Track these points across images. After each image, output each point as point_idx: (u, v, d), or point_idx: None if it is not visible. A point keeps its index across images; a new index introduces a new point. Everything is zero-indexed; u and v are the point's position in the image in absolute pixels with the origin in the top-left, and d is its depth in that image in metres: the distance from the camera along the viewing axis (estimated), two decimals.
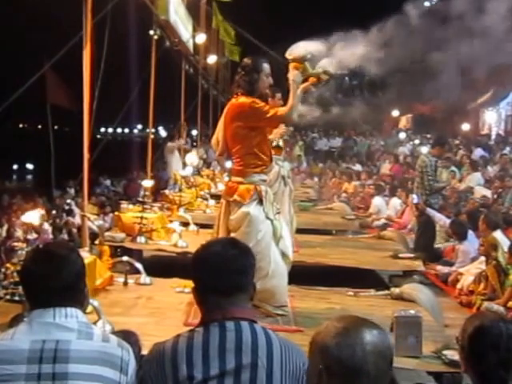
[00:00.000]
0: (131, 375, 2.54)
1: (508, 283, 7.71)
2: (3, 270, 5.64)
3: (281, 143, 7.89)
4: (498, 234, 8.63)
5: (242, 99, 5.75)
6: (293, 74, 5.71)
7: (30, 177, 31.32)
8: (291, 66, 5.76)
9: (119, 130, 59.05)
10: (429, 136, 26.27)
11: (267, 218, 5.74)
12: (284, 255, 5.90)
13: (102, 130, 35.13)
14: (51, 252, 2.65)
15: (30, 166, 33.24)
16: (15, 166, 32.44)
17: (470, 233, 9.68)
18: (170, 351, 2.55)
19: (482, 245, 8.53)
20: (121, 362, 2.50)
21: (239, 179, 5.79)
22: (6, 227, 11.97)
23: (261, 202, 5.71)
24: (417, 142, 27.37)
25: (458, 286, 8.85)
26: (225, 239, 2.78)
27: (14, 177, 29.72)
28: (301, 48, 5.79)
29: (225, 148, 5.98)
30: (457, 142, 23.59)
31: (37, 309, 2.50)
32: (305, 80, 5.86)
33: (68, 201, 15.10)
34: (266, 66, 5.85)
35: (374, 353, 2.11)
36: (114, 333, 3.69)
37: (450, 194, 13.27)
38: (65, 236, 12.66)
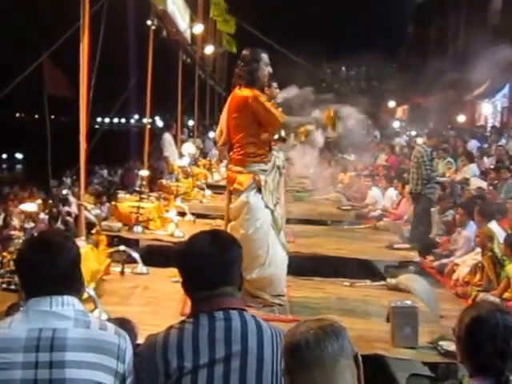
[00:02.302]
0: (128, 363, 2.54)
1: (504, 274, 7.73)
2: (0, 258, 5.64)
3: (282, 134, 7.93)
4: (493, 225, 8.65)
5: (246, 92, 5.83)
6: (321, 118, 6.23)
7: (19, 166, 31.17)
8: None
9: (116, 120, 58.90)
10: (426, 131, 26.26)
11: (266, 206, 5.82)
12: (283, 245, 5.97)
13: (99, 119, 35.07)
14: (47, 240, 2.65)
15: (19, 156, 33.04)
16: (4, 156, 32.24)
17: (471, 223, 9.63)
18: (161, 344, 2.58)
19: (478, 236, 8.54)
20: (118, 349, 2.51)
21: (239, 168, 5.89)
22: (2, 216, 11.97)
23: (259, 190, 5.78)
24: (413, 133, 27.32)
25: (454, 276, 8.87)
26: (207, 234, 2.74)
27: (4, 166, 29.67)
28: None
29: (227, 138, 6.04)
30: (452, 132, 23.54)
31: (33, 297, 2.50)
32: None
33: (64, 192, 15.07)
34: (265, 56, 5.96)
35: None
36: (109, 320, 3.70)
37: (448, 185, 13.29)
38: (61, 225, 12.65)
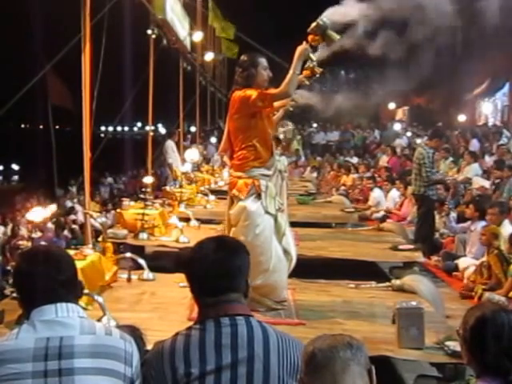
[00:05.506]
0: (136, 366, 2.57)
1: (509, 273, 7.71)
2: (9, 268, 5.67)
3: (281, 136, 7.90)
4: (505, 223, 8.72)
5: (237, 92, 5.80)
6: (299, 48, 5.72)
7: (15, 177, 31.06)
8: (308, 38, 5.78)
9: (119, 129, 58.95)
10: (428, 133, 26.26)
11: (266, 212, 5.76)
12: (286, 252, 5.96)
13: (103, 128, 35.18)
14: (44, 251, 2.72)
15: (15, 167, 32.87)
16: (0, 167, 32.11)
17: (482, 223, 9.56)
18: (168, 350, 2.60)
19: (484, 234, 8.49)
20: (124, 353, 2.53)
21: (239, 174, 5.82)
22: (10, 226, 12.03)
23: (259, 196, 5.74)
24: (409, 134, 27.31)
25: (459, 276, 8.90)
26: (213, 241, 2.77)
27: (0, 177, 29.61)
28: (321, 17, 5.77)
29: (228, 145, 6.04)
30: (455, 132, 23.59)
31: (35, 308, 2.52)
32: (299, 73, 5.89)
33: (70, 204, 15.15)
34: (263, 60, 5.87)
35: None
36: (118, 327, 3.75)
37: (451, 185, 13.31)
38: (68, 234, 12.74)
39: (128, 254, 7.24)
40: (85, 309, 3.23)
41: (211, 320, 2.62)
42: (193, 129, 24.72)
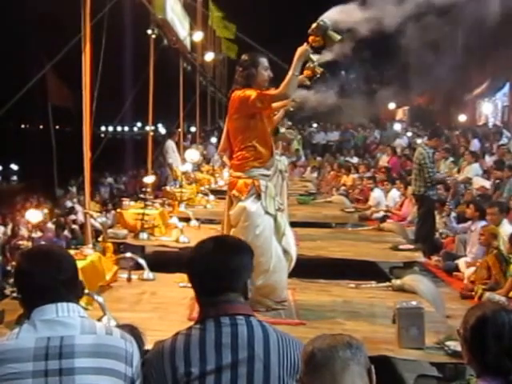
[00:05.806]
0: (136, 366, 2.57)
1: (509, 273, 7.71)
2: (9, 268, 5.67)
3: (282, 130, 7.87)
4: (504, 222, 8.71)
5: (237, 92, 5.77)
6: (300, 49, 5.67)
7: (15, 177, 31.02)
8: (309, 39, 5.72)
9: (119, 129, 58.97)
10: (427, 132, 26.29)
11: (266, 212, 5.74)
12: (285, 252, 5.94)
13: (103, 128, 35.23)
14: (45, 250, 2.73)
15: (14, 167, 32.84)
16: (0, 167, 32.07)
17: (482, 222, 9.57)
18: (168, 350, 2.60)
19: (482, 234, 8.50)
20: (125, 353, 2.54)
21: (239, 174, 5.80)
22: (10, 226, 12.04)
23: (259, 196, 5.72)
24: (410, 134, 27.33)
25: (460, 276, 8.90)
26: (212, 241, 2.78)
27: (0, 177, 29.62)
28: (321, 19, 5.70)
29: (227, 144, 6.02)
30: (456, 132, 23.60)
31: (36, 307, 2.52)
32: (300, 73, 5.87)
33: (70, 204, 15.16)
34: (264, 60, 5.84)
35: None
36: (117, 327, 3.75)
37: (451, 185, 13.32)
38: (68, 234, 12.74)
39: (128, 254, 7.23)
40: (85, 309, 3.23)
41: (211, 320, 2.63)
42: (193, 129, 24.75)
